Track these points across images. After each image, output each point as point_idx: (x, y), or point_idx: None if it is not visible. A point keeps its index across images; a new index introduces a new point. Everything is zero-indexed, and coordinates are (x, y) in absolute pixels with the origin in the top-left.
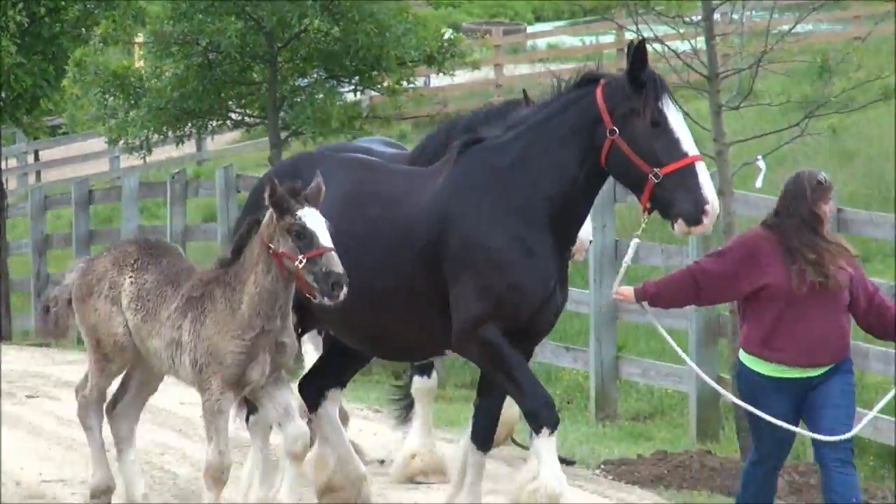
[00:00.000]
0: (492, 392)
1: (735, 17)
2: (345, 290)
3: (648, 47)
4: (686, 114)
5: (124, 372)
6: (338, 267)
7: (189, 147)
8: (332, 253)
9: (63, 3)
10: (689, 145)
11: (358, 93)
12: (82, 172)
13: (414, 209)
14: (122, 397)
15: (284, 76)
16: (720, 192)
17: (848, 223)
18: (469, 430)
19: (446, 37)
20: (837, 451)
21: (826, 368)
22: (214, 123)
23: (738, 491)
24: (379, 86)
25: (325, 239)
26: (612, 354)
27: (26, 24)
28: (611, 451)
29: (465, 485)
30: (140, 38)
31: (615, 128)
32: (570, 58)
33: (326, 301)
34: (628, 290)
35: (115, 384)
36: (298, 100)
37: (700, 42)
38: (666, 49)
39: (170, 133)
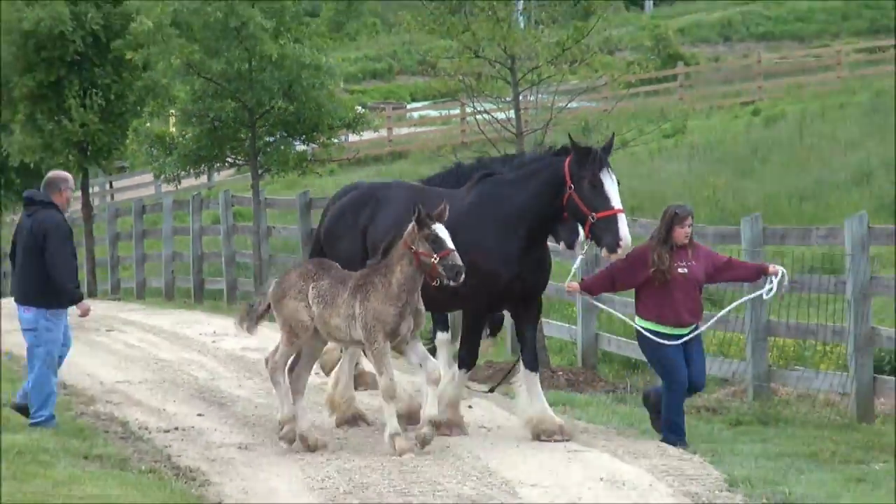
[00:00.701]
0: (524, 335)
1: (532, 98)
2: (463, 276)
3: (479, 118)
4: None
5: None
6: (459, 261)
7: (203, 179)
8: (455, 253)
9: (126, 91)
10: (615, 201)
11: (305, 145)
12: (138, 195)
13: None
14: (297, 364)
15: (260, 136)
16: None
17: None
18: (521, 359)
19: (358, 111)
20: None
21: (690, 327)
22: (218, 164)
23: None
24: (318, 141)
25: (450, 244)
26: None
27: (104, 104)
28: None
29: (531, 395)
30: (172, 112)
31: (572, 185)
32: (433, 123)
33: (452, 283)
34: (574, 285)
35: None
36: (268, 150)
37: (511, 113)
38: (490, 117)
39: (191, 171)
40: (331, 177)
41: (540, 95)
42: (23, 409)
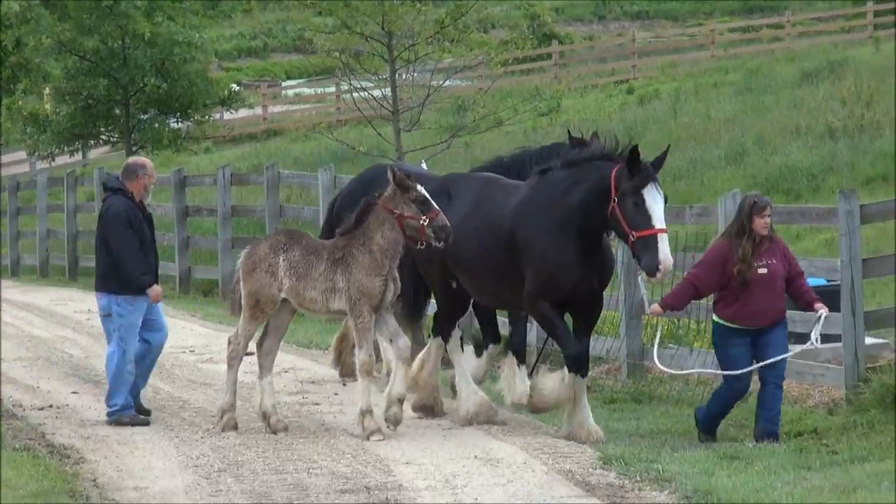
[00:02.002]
0: (579, 339)
1: (408, 76)
2: (451, 237)
3: (356, 95)
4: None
5: (265, 323)
6: (447, 222)
7: (77, 157)
8: (442, 214)
9: None
10: (658, 220)
11: (179, 123)
12: (12, 172)
13: (503, 211)
14: (266, 339)
15: (134, 113)
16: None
17: None
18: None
19: (233, 89)
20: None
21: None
22: (92, 142)
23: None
24: (192, 119)
25: (436, 205)
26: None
27: None
28: None
29: (577, 403)
30: (46, 91)
31: (616, 198)
32: (308, 101)
33: (441, 245)
34: (657, 308)
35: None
36: (143, 127)
37: (388, 91)
38: (368, 94)
39: (65, 148)
40: (206, 154)
41: (416, 73)
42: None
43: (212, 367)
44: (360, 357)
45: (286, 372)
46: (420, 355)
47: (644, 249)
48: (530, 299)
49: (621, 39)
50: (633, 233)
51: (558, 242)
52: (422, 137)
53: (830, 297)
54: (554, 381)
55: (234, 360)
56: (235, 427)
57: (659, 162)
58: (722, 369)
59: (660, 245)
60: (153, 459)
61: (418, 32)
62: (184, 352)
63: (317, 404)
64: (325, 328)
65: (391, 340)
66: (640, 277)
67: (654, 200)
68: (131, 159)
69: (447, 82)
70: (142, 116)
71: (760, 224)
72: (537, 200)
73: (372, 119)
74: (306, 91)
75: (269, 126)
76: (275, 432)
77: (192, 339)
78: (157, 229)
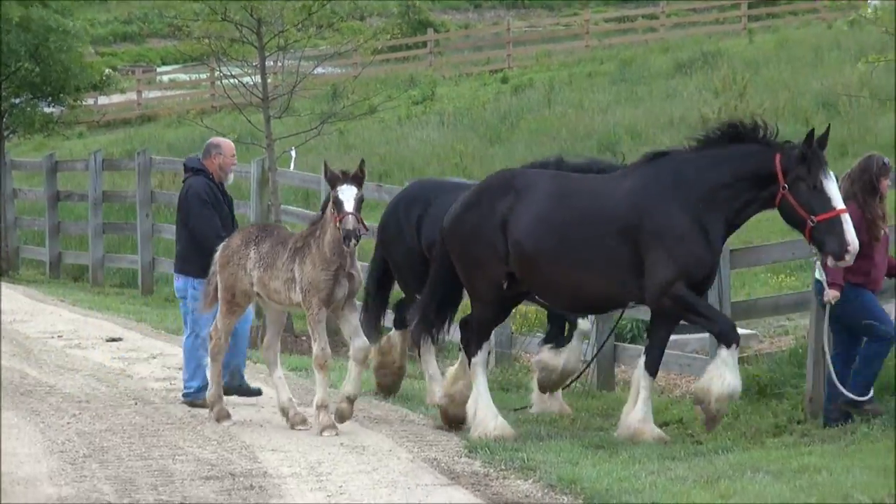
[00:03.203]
0: (657, 335)
1: (279, 63)
2: (353, 241)
3: (226, 82)
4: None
5: (240, 314)
6: (352, 226)
7: None
8: (351, 216)
9: None
10: (837, 201)
11: (52, 107)
12: None
13: (611, 200)
14: (266, 335)
15: (5, 97)
16: (269, 170)
17: None
18: (641, 361)
19: (106, 73)
20: None
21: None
22: None
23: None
24: (65, 103)
25: (348, 207)
26: None
27: None
28: None
29: (639, 401)
30: None
31: (786, 185)
32: (182, 87)
33: (345, 248)
34: (835, 293)
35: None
36: (14, 111)
37: (258, 78)
38: (238, 81)
39: None
40: (80, 139)
41: (287, 60)
42: (229, 391)
43: (79, 353)
44: (314, 350)
45: (154, 358)
46: (454, 370)
47: (828, 233)
48: (662, 287)
49: (497, 28)
50: (812, 217)
51: (698, 223)
52: (295, 124)
53: None
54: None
55: (217, 355)
56: (229, 416)
57: (824, 142)
58: (868, 329)
59: (844, 226)
60: (18, 444)
61: (286, 18)
62: (52, 337)
63: None
64: None
65: (349, 338)
66: (816, 262)
67: (831, 181)
68: (211, 139)
69: (319, 69)
70: (14, 100)
71: (885, 186)
72: (663, 183)
73: (243, 106)
74: (181, 77)
75: (143, 112)
76: (293, 426)
77: (61, 325)
78: (27, 214)
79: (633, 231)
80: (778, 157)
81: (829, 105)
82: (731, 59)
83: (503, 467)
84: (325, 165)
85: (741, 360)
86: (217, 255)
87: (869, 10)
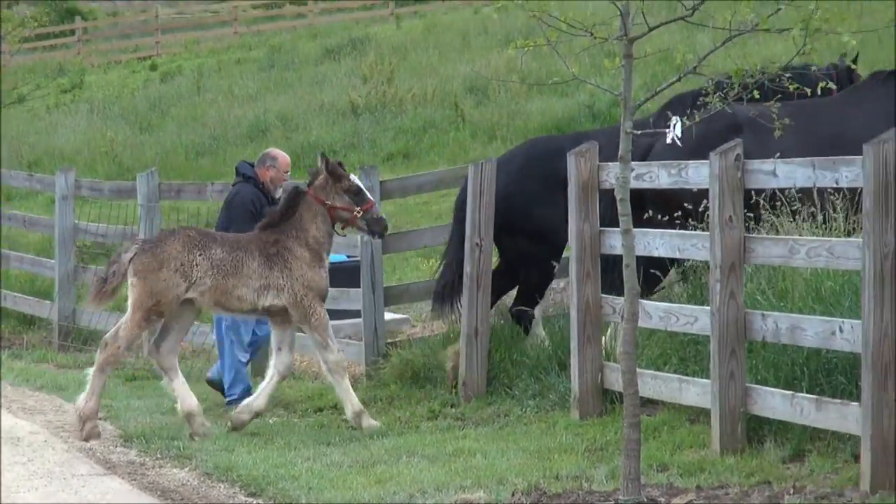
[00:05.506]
0: None
1: None
2: (387, 230)
3: None
4: None
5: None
6: (382, 215)
7: None
8: (377, 205)
9: None
10: None
11: None
12: None
13: (857, 122)
14: (164, 340)
15: None
16: None
17: None
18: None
19: None
20: None
21: None
22: None
23: None
24: None
25: (370, 195)
26: None
27: None
28: None
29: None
30: None
31: None
32: None
33: (377, 238)
34: None
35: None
36: None
37: None
38: None
39: None
40: None
41: None
42: (215, 385)
43: None
44: (329, 357)
45: None
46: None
47: None
48: None
49: (145, 15)
50: None
51: None
52: None
53: (351, 272)
54: None
55: (108, 366)
56: (99, 435)
57: None
58: None
59: None
60: None
61: None
62: None
63: None
64: None
65: (279, 349)
66: None
67: None
68: (268, 149)
69: None
70: None
71: None
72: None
73: None
74: None
75: None
76: (197, 436)
77: None
78: None
79: None
80: None
81: (477, 90)
82: (379, 44)
83: (159, 456)
84: (324, 157)
85: (394, 345)
86: (137, 258)
87: None
